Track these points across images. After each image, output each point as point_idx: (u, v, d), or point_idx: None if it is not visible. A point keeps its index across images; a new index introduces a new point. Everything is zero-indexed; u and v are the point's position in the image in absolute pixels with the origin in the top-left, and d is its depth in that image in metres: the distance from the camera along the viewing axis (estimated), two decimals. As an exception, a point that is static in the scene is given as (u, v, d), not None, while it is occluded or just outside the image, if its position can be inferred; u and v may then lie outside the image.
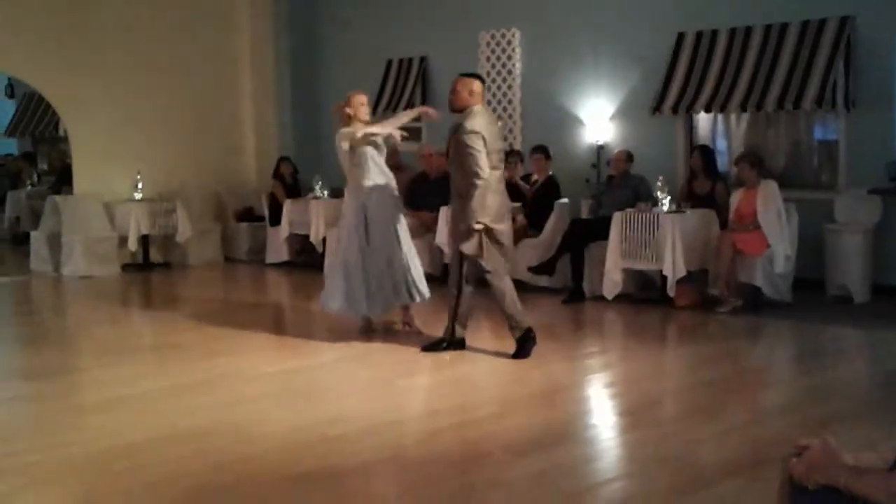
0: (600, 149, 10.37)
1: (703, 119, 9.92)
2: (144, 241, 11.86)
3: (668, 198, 8.55)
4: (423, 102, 11.60)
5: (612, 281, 8.65)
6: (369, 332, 7.58)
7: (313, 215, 11.00)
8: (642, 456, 4.86)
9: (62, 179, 13.97)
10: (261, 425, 5.35)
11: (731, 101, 9.20)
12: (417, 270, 7.33)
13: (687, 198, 8.90)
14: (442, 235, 9.31)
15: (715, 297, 8.41)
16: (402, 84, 12.06)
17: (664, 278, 8.42)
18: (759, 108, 9.06)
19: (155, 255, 12.12)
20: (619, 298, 8.67)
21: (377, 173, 7.30)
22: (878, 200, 8.51)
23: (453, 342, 6.96)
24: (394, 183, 7.46)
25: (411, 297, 7.36)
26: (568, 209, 9.65)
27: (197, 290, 10.89)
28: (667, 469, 4.59)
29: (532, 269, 9.31)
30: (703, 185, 8.94)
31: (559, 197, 9.70)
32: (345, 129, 7.30)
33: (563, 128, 10.65)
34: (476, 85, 6.76)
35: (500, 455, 4.81)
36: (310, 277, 10.45)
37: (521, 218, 9.62)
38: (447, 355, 6.88)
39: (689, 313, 8.33)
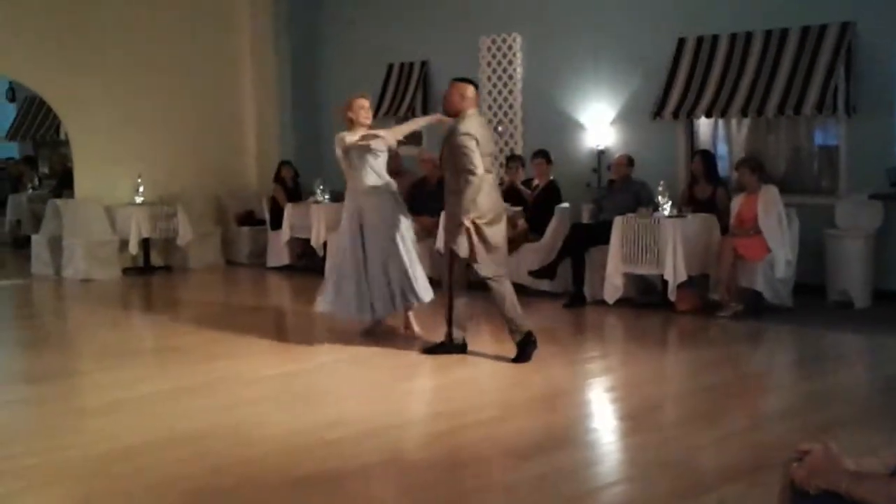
0: (601, 153, 10.36)
1: (703, 124, 9.91)
2: (145, 244, 11.85)
3: (669, 202, 8.54)
4: (424, 107, 11.63)
5: (613, 285, 8.64)
6: (371, 335, 7.57)
7: (314, 219, 11.00)
8: (643, 460, 4.86)
9: (63, 183, 13.97)
10: (260, 428, 5.34)
11: (732, 107, 9.20)
12: (418, 274, 7.32)
13: (688, 202, 8.89)
14: (442, 240, 9.31)
15: (716, 302, 8.40)
16: (403, 88, 12.07)
17: (665, 283, 8.41)
18: (759, 114, 9.06)
19: (156, 259, 12.12)
20: (620, 303, 8.66)
21: (374, 178, 7.30)
22: (878, 206, 8.50)
23: (454, 346, 6.96)
24: (394, 187, 7.45)
25: (408, 301, 7.36)
26: (569, 214, 9.64)
27: (197, 293, 10.89)
28: (667, 473, 4.58)
29: (533, 274, 9.30)
30: (704, 189, 8.94)
31: (560, 201, 9.69)
32: (339, 135, 7.34)
33: (564, 132, 10.65)
34: (469, 90, 6.82)
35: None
36: (311, 281, 10.44)
37: (522, 222, 9.62)
38: (448, 358, 6.87)
39: (689, 318, 8.32)
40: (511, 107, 11.18)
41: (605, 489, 4.46)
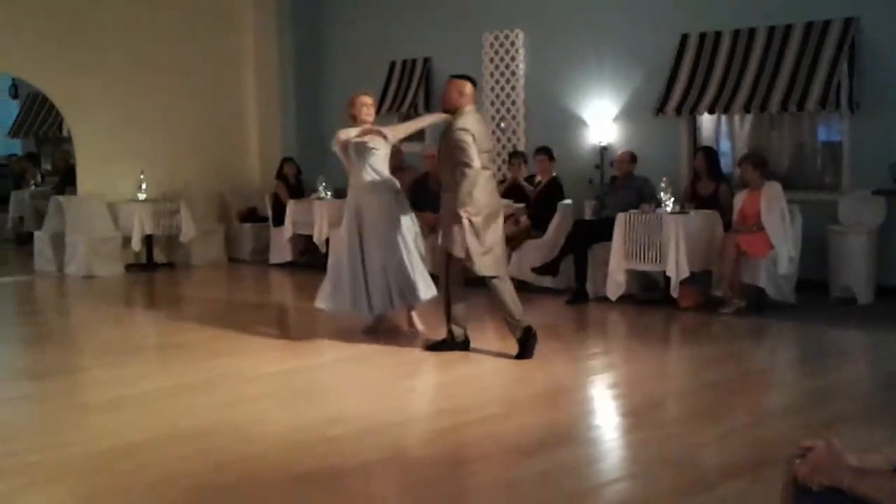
0: (604, 150, 10.35)
1: (706, 120, 9.90)
2: (148, 241, 11.87)
3: (672, 199, 8.53)
4: (427, 104, 11.63)
5: (616, 282, 8.63)
6: (373, 332, 7.57)
7: (317, 216, 11.00)
8: (645, 457, 4.85)
9: (66, 180, 13.99)
10: (261, 425, 5.34)
11: (735, 103, 9.19)
12: (417, 273, 7.27)
13: (690, 199, 8.88)
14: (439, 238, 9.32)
15: (718, 299, 8.39)
16: (406, 85, 12.06)
17: (668, 279, 8.41)
18: (762, 110, 9.04)
19: (158, 256, 12.13)
20: (623, 299, 8.66)
21: (372, 175, 7.28)
22: (881, 201, 8.49)
23: (456, 343, 6.95)
24: (395, 184, 7.43)
25: (406, 300, 7.35)
26: (571, 210, 9.64)
27: (200, 290, 10.90)
28: (670, 470, 4.58)
29: (535, 270, 9.30)
30: (707, 186, 8.92)
31: (563, 198, 9.68)
32: (337, 132, 7.37)
33: (567, 129, 10.64)
34: (467, 87, 6.83)
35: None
36: (313, 278, 10.41)
37: (524, 219, 9.62)
38: (450, 355, 6.87)
39: (692, 314, 8.31)
40: (514, 103, 11.18)
41: (607, 486, 4.45)
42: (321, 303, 7.48)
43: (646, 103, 9.91)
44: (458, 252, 6.65)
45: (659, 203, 8.59)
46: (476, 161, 6.57)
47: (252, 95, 13.29)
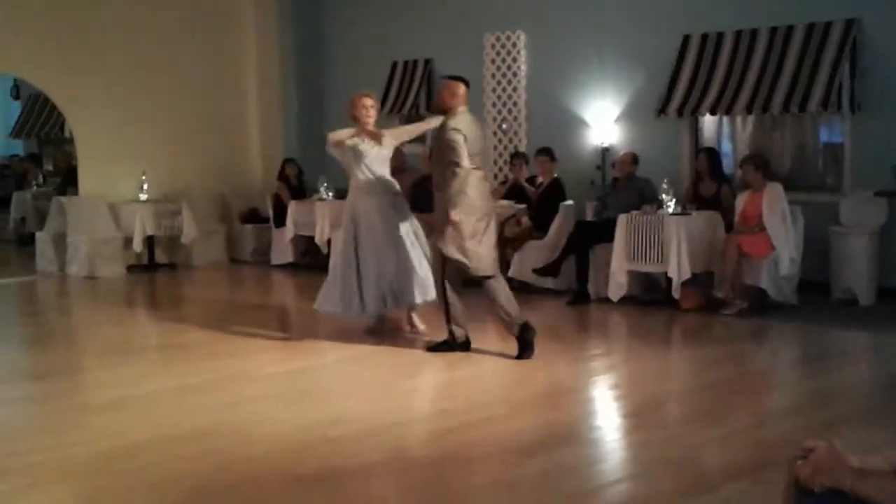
0: (605, 151, 10.35)
1: (708, 121, 9.90)
2: (149, 241, 11.87)
3: (674, 200, 8.53)
4: (428, 105, 11.62)
5: (617, 283, 8.63)
6: (374, 333, 7.57)
7: (318, 216, 11.01)
8: (647, 458, 4.85)
9: (67, 180, 14.00)
10: (263, 426, 5.34)
11: (737, 104, 9.18)
12: (413, 275, 7.24)
13: (692, 200, 8.88)
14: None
15: (720, 300, 8.39)
16: (407, 86, 12.06)
17: (669, 280, 8.40)
18: (764, 111, 9.04)
19: (160, 256, 12.13)
20: (624, 300, 8.65)
21: (367, 176, 7.29)
22: (883, 203, 8.49)
23: (457, 344, 6.95)
24: (395, 187, 7.42)
25: (400, 303, 7.34)
26: (573, 211, 9.64)
27: (201, 291, 10.90)
28: (671, 471, 4.57)
29: (537, 271, 9.30)
30: (709, 187, 8.92)
31: (564, 199, 9.68)
32: (329, 134, 7.42)
33: (568, 130, 10.64)
34: (460, 88, 6.87)
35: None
36: (314, 279, 10.41)
37: (525, 220, 9.62)
38: (451, 355, 6.87)
39: (694, 315, 8.31)
40: (515, 104, 11.18)
41: (608, 487, 4.45)
42: (316, 303, 7.50)
43: (647, 104, 9.91)
44: (453, 253, 6.66)
45: (660, 204, 8.59)
46: (465, 161, 6.60)
47: (253, 96, 13.29)
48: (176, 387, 6.28)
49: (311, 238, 11.19)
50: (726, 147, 9.88)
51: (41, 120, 16.94)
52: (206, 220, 12.42)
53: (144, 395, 6.07)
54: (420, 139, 11.44)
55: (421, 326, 7.55)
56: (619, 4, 10.26)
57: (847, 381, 6.44)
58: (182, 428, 5.32)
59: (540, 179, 9.90)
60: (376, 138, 7.29)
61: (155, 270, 11.90)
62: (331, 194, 11.16)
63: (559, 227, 9.42)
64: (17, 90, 17.58)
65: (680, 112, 9.59)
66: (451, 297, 6.88)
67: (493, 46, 11.27)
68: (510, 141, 11.22)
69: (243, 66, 13.21)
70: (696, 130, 9.95)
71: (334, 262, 7.58)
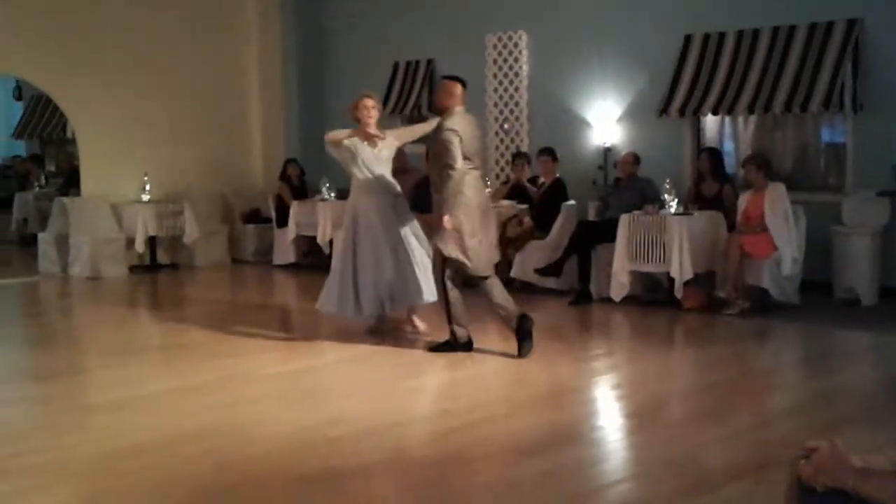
0: (607, 151, 10.35)
1: (710, 121, 9.90)
2: (152, 242, 11.88)
3: (676, 200, 8.52)
4: (430, 105, 11.62)
5: (620, 283, 8.63)
6: (376, 333, 7.57)
7: (320, 217, 11.01)
8: (649, 458, 4.84)
9: (70, 181, 14.00)
10: (264, 426, 5.34)
11: (739, 104, 9.18)
12: (410, 277, 7.22)
13: (694, 200, 8.87)
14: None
15: (722, 300, 8.38)
16: (409, 87, 12.06)
17: (671, 280, 8.40)
18: (766, 111, 9.04)
19: (162, 257, 12.14)
20: (627, 300, 8.65)
21: (366, 174, 7.30)
22: (885, 203, 8.48)
23: (459, 344, 6.95)
24: (393, 187, 7.42)
25: (397, 305, 7.34)
26: (575, 211, 9.64)
27: (204, 291, 10.91)
28: (673, 471, 4.57)
29: (539, 271, 9.30)
30: (711, 187, 8.92)
31: (566, 199, 9.68)
32: (326, 135, 7.46)
33: (570, 130, 10.64)
34: (457, 88, 6.90)
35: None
36: (316, 279, 10.41)
37: (527, 220, 9.62)
38: (453, 355, 6.87)
39: (696, 315, 8.30)
40: (517, 104, 11.17)
41: (610, 487, 4.45)
42: (318, 303, 7.53)
43: (649, 104, 9.90)
44: (453, 253, 6.66)
45: (662, 204, 8.59)
46: (459, 163, 6.62)
47: (255, 96, 13.30)
48: (177, 387, 6.28)
49: (313, 238, 11.19)
50: (728, 147, 9.88)
51: (43, 121, 16.95)
52: (208, 220, 12.43)
53: (146, 396, 6.08)
54: (424, 140, 11.48)
55: (421, 326, 7.54)
56: (620, 4, 10.26)
57: (849, 381, 6.43)
58: (184, 428, 5.32)
59: (542, 179, 9.90)
60: (371, 138, 7.29)
61: (157, 271, 11.91)
62: (333, 194, 11.16)
63: (561, 228, 9.42)
64: (19, 91, 17.60)
65: (682, 112, 9.58)
66: (453, 296, 6.88)
67: (494, 47, 11.26)
68: (512, 141, 11.22)
69: (245, 66, 13.21)
70: (697, 130, 9.94)
71: (335, 261, 7.61)
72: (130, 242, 11.64)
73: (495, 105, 11.27)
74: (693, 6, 9.74)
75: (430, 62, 11.90)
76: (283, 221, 11.71)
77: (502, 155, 11.30)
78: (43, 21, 11.44)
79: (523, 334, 6.72)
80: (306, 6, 13.11)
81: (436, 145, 6.81)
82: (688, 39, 9.66)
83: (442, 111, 6.90)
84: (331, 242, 10.63)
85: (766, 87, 9.03)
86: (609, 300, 8.71)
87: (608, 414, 5.93)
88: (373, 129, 7.31)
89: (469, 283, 6.96)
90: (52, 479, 4.59)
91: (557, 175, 9.78)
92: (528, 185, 10.03)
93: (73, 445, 5.06)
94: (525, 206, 9.82)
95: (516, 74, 11.13)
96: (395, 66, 12.22)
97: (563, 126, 10.65)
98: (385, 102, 11.80)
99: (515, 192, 10.14)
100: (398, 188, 7.48)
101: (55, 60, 11.56)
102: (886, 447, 2.63)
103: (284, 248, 11.77)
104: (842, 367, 6.82)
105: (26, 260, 13.07)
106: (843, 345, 7.52)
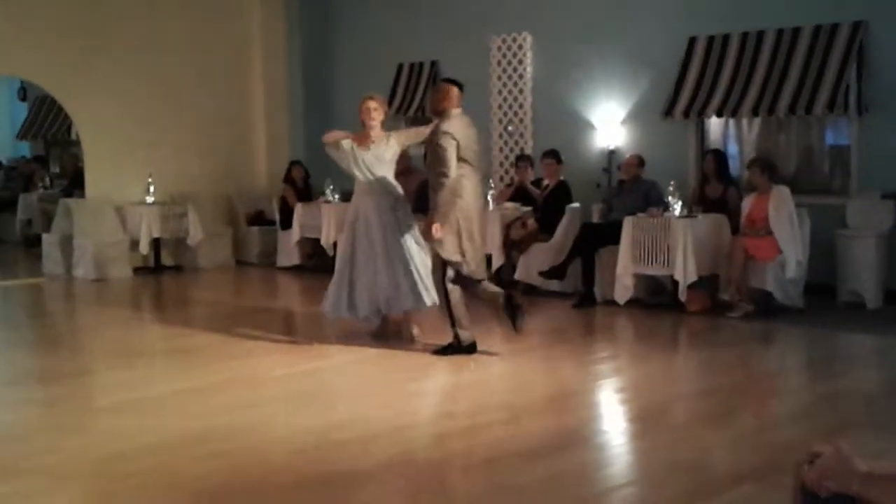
0: (611, 153, 10.35)
1: (714, 123, 9.89)
2: (156, 244, 11.88)
3: (680, 202, 8.52)
4: (426, 109, 11.62)
5: (624, 286, 8.63)
6: (381, 336, 7.57)
7: (324, 219, 11.02)
8: (653, 462, 4.84)
9: (74, 182, 14.02)
10: (270, 429, 5.35)
11: (743, 106, 9.17)
12: (415, 278, 7.19)
13: (699, 202, 8.87)
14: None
15: (726, 303, 8.38)
16: (413, 88, 12.07)
17: (675, 283, 8.40)
18: (770, 113, 9.03)
19: (166, 259, 12.15)
20: (630, 303, 8.65)
21: (367, 175, 7.31)
22: (890, 205, 8.47)
23: (463, 347, 6.95)
24: (395, 189, 7.41)
25: (391, 309, 7.34)
26: (579, 213, 9.63)
27: (208, 293, 10.91)
28: (677, 475, 4.57)
29: (543, 274, 9.29)
30: (716, 189, 8.91)
31: (570, 201, 9.68)
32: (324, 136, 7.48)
33: (575, 132, 10.64)
34: (453, 90, 6.93)
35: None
36: (321, 281, 10.41)
37: (531, 222, 9.62)
38: (458, 358, 6.87)
39: (700, 318, 8.30)
40: (521, 106, 11.18)
41: (615, 491, 4.45)
42: (322, 306, 7.57)
43: (653, 106, 9.90)
44: (450, 255, 6.67)
45: (667, 206, 8.58)
46: (453, 171, 6.65)
47: (260, 98, 13.30)
48: (183, 389, 6.29)
49: (318, 240, 11.20)
50: (732, 149, 9.87)
51: (48, 122, 16.98)
52: (212, 222, 12.44)
53: (151, 398, 6.09)
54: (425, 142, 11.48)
55: (415, 331, 7.49)
56: (625, 6, 10.26)
57: (854, 384, 6.42)
58: (189, 430, 5.32)
59: (546, 182, 9.90)
60: (365, 143, 7.30)
61: (161, 273, 11.92)
62: (337, 197, 11.16)
63: (565, 230, 9.42)
64: (23, 92, 17.63)
65: (686, 114, 9.58)
66: (455, 299, 6.87)
67: (499, 48, 11.27)
68: (516, 143, 11.22)
69: (250, 68, 13.21)
70: (702, 132, 9.94)
71: (337, 263, 7.63)
72: (135, 244, 11.64)
73: (499, 107, 11.28)
74: (697, 8, 9.73)
75: (434, 64, 11.91)
76: (287, 223, 11.71)
77: (506, 157, 11.30)
78: (47, 22, 11.45)
79: (512, 310, 6.75)
80: (310, 8, 13.12)
81: (431, 148, 6.83)
82: (692, 41, 9.66)
83: (439, 114, 6.92)
84: (335, 245, 10.63)
85: (770, 89, 9.02)
86: (613, 303, 8.71)
87: (612, 417, 5.93)
88: (375, 131, 7.33)
89: (463, 284, 6.94)
90: (57, 481, 4.60)
91: (562, 177, 9.78)
92: (531, 187, 10.03)
93: (78, 447, 5.07)
94: (529, 209, 9.83)
95: (520, 76, 11.13)
96: (400, 68, 12.22)
97: (567, 128, 10.65)
98: (389, 104, 11.79)
99: (519, 194, 10.14)
100: (400, 190, 7.48)
101: (59, 61, 11.57)
102: (891, 451, 2.62)
103: (289, 251, 11.78)
104: (846, 370, 6.81)
105: (30, 261, 13.10)
106: (848, 348, 7.52)
